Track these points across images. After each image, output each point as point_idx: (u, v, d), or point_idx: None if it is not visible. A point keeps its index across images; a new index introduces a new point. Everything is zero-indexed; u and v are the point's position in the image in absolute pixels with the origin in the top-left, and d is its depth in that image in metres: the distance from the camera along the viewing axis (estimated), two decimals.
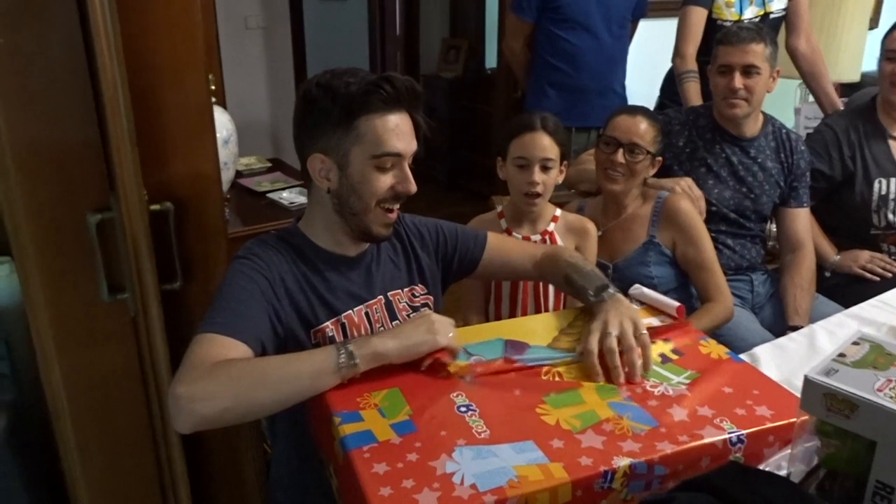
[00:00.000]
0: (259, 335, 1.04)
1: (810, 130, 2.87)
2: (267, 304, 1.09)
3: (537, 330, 1.16)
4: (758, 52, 1.85)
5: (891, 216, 2.09)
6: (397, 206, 1.17)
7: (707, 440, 0.88)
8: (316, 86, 1.12)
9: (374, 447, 0.85)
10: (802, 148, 2.01)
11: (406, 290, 1.27)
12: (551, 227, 1.70)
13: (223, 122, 2.02)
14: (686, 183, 1.84)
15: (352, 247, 1.21)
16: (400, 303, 1.25)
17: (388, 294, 1.24)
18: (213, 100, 1.42)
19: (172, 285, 1.26)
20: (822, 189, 2.13)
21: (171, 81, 1.20)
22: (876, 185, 2.09)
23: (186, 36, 1.20)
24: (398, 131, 1.11)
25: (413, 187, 1.15)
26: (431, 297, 1.30)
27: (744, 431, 0.89)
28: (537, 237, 1.68)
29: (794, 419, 0.87)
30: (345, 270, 1.20)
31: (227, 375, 0.94)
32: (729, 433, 0.89)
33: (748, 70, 1.85)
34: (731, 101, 1.88)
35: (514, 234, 1.68)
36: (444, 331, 1.03)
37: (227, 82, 2.73)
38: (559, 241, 1.70)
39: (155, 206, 1.21)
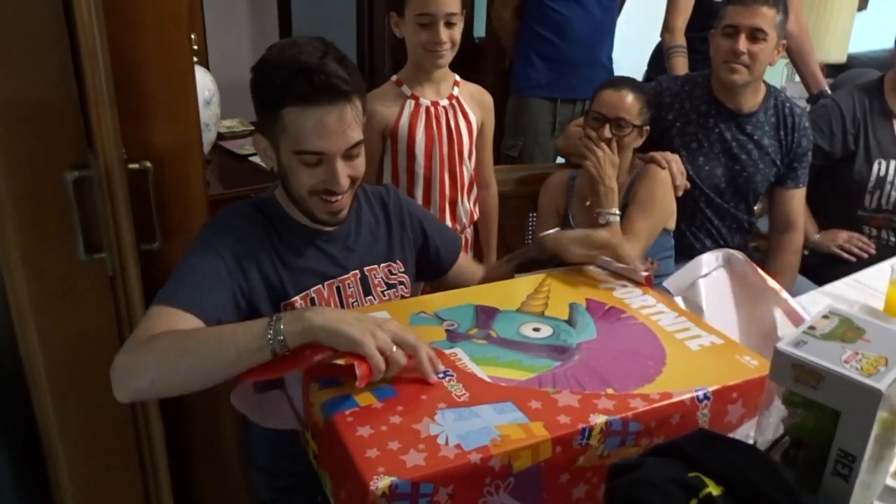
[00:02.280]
0: (214, 309, 1.02)
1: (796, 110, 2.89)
2: (230, 280, 1.07)
3: (506, 295, 1.17)
4: (768, 17, 1.78)
5: (884, 199, 2.08)
6: (336, 197, 1.09)
7: (676, 398, 0.91)
8: (260, 61, 1.07)
9: (356, 411, 0.86)
10: (806, 125, 1.94)
11: (383, 265, 1.24)
12: (456, 90, 1.67)
13: (205, 82, 1.99)
14: (670, 156, 1.83)
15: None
16: (375, 278, 1.23)
17: (364, 269, 1.22)
18: (195, 59, 1.40)
19: (151, 246, 1.25)
20: (818, 166, 2.09)
21: (152, 38, 1.18)
22: (875, 165, 2.08)
23: None
24: (320, 129, 1.03)
25: (339, 187, 1.07)
26: (407, 277, 1.28)
27: (709, 388, 0.93)
28: (445, 102, 1.66)
29: (753, 376, 0.95)
30: (319, 244, 1.18)
31: (158, 346, 0.93)
32: (696, 390, 0.92)
33: (755, 34, 1.78)
34: (732, 66, 1.80)
35: (420, 99, 1.64)
36: (379, 340, 0.87)
37: (209, 42, 2.68)
38: (467, 110, 1.69)
39: (134, 165, 1.19)
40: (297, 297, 1.14)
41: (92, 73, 1.08)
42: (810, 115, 2.14)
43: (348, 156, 1.09)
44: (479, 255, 1.89)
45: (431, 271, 1.35)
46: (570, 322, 1.09)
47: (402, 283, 1.26)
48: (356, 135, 1.08)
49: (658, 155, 1.79)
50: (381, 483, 0.74)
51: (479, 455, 0.79)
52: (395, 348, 0.88)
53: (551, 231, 1.32)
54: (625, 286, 1.22)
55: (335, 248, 1.19)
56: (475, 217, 1.83)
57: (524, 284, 1.22)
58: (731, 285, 1.33)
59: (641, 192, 1.74)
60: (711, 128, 1.90)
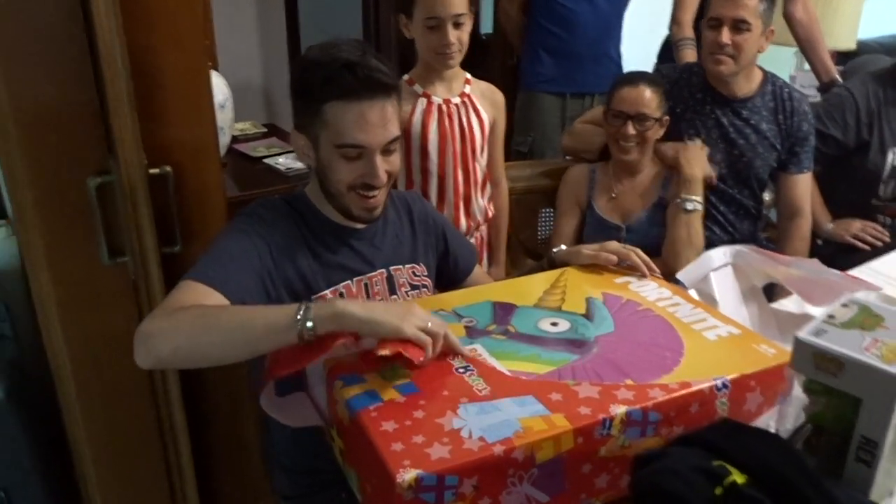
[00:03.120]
0: (239, 291, 1.03)
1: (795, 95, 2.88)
2: (260, 266, 1.08)
3: (523, 291, 1.18)
4: (750, 7, 1.78)
5: None
6: (374, 192, 1.12)
7: (695, 388, 0.91)
8: (301, 59, 1.10)
9: (380, 406, 0.87)
10: (805, 109, 1.92)
11: (408, 266, 1.26)
12: (467, 89, 1.70)
13: (219, 85, 2.01)
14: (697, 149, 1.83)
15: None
16: (401, 278, 1.24)
17: (391, 268, 1.24)
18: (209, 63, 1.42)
19: (172, 249, 1.27)
20: (832, 156, 2.08)
21: (170, 43, 1.19)
22: (890, 155, 2.05)
23: None
24: (362, 122, 1.06)
25: (378, 181, 1.10)
26: (429, 281, 1.29)
27: (728, 377, 0.93)
28: (457, 100, 1.68)
29: (771, 365, 0.95)
30: (348, 241, 1.20)
31: (187, 315, 0.95)
32: (715, 379, 0.93)
33: (738, 25, 1.78)
34: (717, 57, 1.81)
35: (432, 97, 1.66)
36: (416, 322, 0.92)
37: (219, 46, 2.70)
38: (479, 107, 1.71)
39: (154, 170, 1.21)
40: (327, 291, 1.16)
41: (111, 78, 1.09)
42: (823, 104, 2.13)
43: (386, 151, 1.11)
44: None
45: (448, 279, 1.37)
46: (587, 316, 1.10)
47: (425, 286, 1.28)
48: (395, 130, 1.11)
49: (673, 151, 1.81)
50: (407, 476, 0.75)
51: (503, 447, 0.80)
52: (430, 324, 0.92)
53: (563, 247, 1.34)
54: (641, 280, 1.23)
55: (363, 246, 1.21)
56: (490, 214, 1.84)
57: (541, 280, 1.23)
58: (737, 282, 1.34)
59: (688, 184, 1.76)
60: (708, 114, 1.91)
